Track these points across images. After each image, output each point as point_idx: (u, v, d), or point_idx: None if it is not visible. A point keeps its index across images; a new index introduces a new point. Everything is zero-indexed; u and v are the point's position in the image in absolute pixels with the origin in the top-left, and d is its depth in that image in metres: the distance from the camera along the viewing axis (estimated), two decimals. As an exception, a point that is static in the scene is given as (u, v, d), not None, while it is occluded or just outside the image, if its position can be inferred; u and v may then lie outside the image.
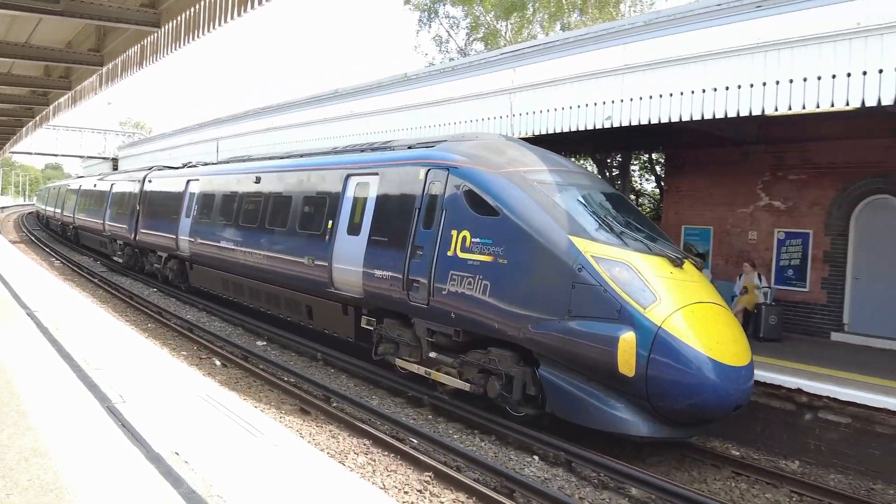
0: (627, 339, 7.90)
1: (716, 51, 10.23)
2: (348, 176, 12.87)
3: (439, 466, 8.05)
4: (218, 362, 13.09)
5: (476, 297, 9.24)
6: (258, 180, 16.26)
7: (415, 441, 8.96)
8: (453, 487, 7.65)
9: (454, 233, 9.70)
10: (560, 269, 8.48)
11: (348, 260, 12.13)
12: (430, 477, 7.89)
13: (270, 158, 17.64)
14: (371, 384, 12.00)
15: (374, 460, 8.35)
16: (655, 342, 7.86)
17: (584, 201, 9.44)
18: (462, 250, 9.50)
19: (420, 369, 10.80)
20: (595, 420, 8.50)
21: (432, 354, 10.46)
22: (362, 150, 13.64)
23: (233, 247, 16.47)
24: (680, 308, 8.13)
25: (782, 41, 9.47)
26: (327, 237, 12.87)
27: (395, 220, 11.05)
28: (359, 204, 12.39)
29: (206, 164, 22.64)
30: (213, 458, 5.35)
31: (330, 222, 12.91)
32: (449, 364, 10.24)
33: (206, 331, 15.57)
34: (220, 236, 17.31)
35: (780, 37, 9.49)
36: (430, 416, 10.42)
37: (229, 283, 17.40)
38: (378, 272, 11.15)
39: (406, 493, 7.48)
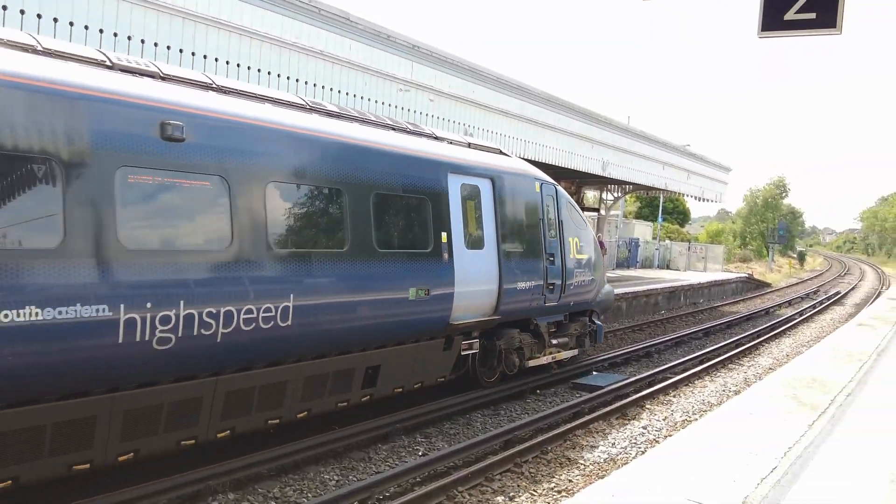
0: None
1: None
2: (449, 174, 10.33)
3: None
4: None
5: (586, 282, 13.66)
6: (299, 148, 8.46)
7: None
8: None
9: (571, 240, 13.22)
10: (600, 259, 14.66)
11: (475, 280, 10.58)
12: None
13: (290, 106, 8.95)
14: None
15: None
16: None
17: None
18: (577, 252, 13.40)
19: (546, 359, 13.05)
20: (601, 337, 14.87)
21: (554, 341, 13.14)
22: (419, 134, 10.66)
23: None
24: None
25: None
26: (443, 255, 10.02)
27: (525, 231, 12.10)
28: (471, 212, 10.77)
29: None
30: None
31: (443, 234, 10.05)
32: (556, 345, 13.21)
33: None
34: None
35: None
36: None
37: None
38: (520, 285, 11.66)
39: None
